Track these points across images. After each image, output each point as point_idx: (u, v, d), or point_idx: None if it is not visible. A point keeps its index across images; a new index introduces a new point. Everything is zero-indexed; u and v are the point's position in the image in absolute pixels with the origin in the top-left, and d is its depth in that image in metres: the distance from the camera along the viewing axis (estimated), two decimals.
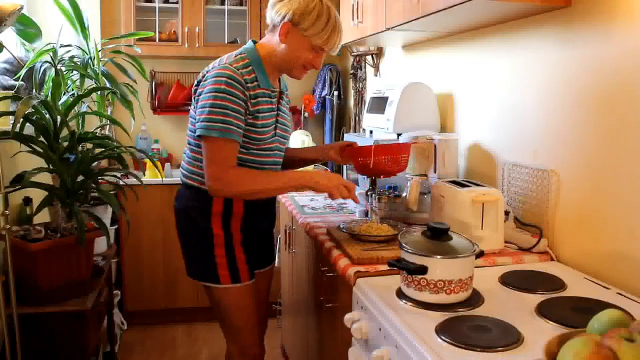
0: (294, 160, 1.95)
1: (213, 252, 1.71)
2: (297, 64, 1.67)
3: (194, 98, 1.67)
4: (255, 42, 1.72)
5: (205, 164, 1.60)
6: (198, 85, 1.66)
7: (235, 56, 1.65)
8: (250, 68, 1.62)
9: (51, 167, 1.85)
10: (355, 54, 3.27)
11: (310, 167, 3.22)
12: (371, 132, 2.45)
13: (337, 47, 1.70)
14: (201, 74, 1.67)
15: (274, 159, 1.74)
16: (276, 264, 2.90)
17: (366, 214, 2.02)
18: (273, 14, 1.64)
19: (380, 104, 2.29)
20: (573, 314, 1.17)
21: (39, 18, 2.31)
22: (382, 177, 1.83)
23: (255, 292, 1.87)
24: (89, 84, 2.30)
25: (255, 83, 1.62)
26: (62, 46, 2.18)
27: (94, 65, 2.31)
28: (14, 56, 2.14)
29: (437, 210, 1.73)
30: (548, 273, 1.45)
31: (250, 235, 1.77)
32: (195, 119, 1.63)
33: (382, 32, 2.13)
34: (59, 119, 1.86)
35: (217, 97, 1.55)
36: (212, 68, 1.63)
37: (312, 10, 1.60)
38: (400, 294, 1.28)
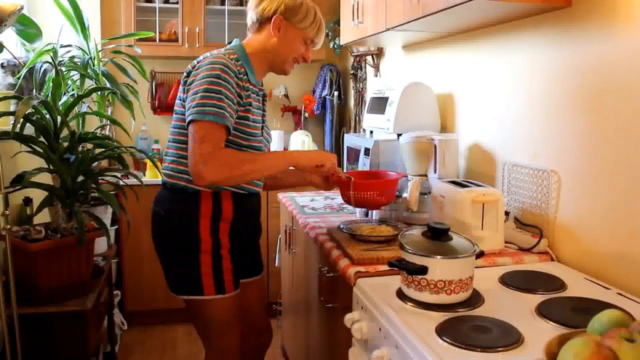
0: (276, 185, 1.92)
1: (198, 260, 1.62)
2: (289, 58, 1.69)
3: (183, 89, 1.60)
4: (240, 41, 1.71)
5: (191, 147, 1.49)
6: (188, 75, 1.60)
7: (225, 50, 1.63)
8: (240, 62, 1.61)
9: (51, 167, 1.85)
10: (355, 54, 3.27)
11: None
12: (371, 132, 2.45)
13: (322, 41, 1.74)
14: (190, 65, 1.63)
15: None
16: (276, 264, 2.91)
17: (366, 214, 2.02)
18: (259, 11, 1.65)
19: (380, 104, 2.29)
20: (573, 314, 1.17)
21: (39, 18, 2.31)
22: (368, 208, 1.82)
23: (246, 303, 1.83)
24: (89, 84, 2.30)
25: (246, 76, 1.61)
26: (62, 46, 2.18)
27: (94, 65, 2.31)
28: (14, 56, 2.14)
29: (437, 210, 1.73)
30: (548, 273, 1.45)
31: (237, 242, 1.71)
32: (182, 112, 1.58)
33: (382, 32, 2.13)
34: (59, 119, 1.86)
35: (212, 82, 1.50)
36: (204, 58, 1.60)
37: (301, 4, 1.65)
38: (400, 294, 1.28)
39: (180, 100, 1.63)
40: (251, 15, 1.69)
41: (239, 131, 1.60)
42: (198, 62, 1.60)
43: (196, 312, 1.70)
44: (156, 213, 1.70)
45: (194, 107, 1.50)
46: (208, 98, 1.49)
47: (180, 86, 1.63)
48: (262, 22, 1.66)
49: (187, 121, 1.53)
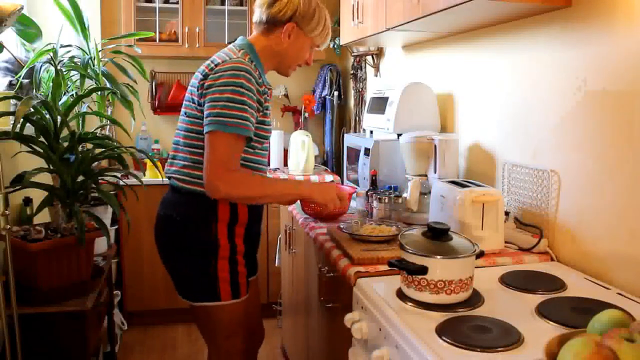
0: None
1: (216, 266, 1.59)
2: (295, 63, 1.70)
3: (199, 92, 1.53)
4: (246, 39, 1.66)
5: (209, 159, 1.48)
6: (205, 78, 1.53)
7: (239, 50, 1.58)
8: (253, 64, 1.58)
9: (51, 167, 1.85)
10: (355, 54, 3.27)
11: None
12: (371, 132, 2.46)
13: (327, 44, 1.75)
14: (205, 67, 1.56)
15: (266, 158, 1.72)
16: (276, 264, 2.91)
17: (366, 214, 2.02)
18: (273, 13, 1.59)
19: (380, 104, 2.29)
20: (573, 314, 1.17)
21: (39, 18, 2.31)
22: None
23: (249, 303, 1.81)
24: (89, 84, 2.30)
25: (261, 79, 1.59)
26: (62, 46, 2.18)
27: (94, 65, 2.31)
28: (14, 56, 2.14)
29: (437, 210, 1.73)
30: (548, 273, 1.45)
31: (250, 245, 1.72)
32: (197, 116, 1.54)
33: (382, 32, 2.13)
34: (59, 119, 1.86)
35: (235, 91, 1.46)
36: (223, 62, 1.52)
37: (314, 12, 1.63)
38: (400, 294, 1.28)
39: (193, 103, 1.57)
40: (260, 15, 1.63)
41: (257, 135, 1.58)
42: (216, 65, 1.53)
43: (207, 317, 1.67)
44: (167, 217, 1.64)
45: (214, 117, 1.47)
46: (230, 108, 1.46)
47: (195, 89, 1.56)
48: (274, 24, 1.61)
49: (205, 130, 1.49)
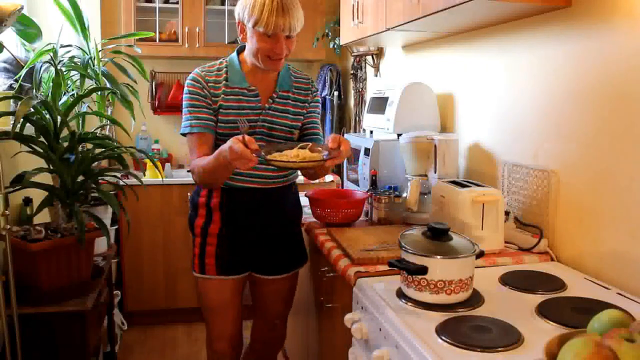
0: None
1: (193, 241, 1.87)
2: (261, 56, 1.68)
3: None
4: (241, 49, 1.83)
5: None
6: None
7: (214, 62, 1.81)
8: (224, 69, 1.77)
9: (51, 167, 1.85)
10: (355, 54, 3.27)
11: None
12: (371, 132, 2.46)
13: (278, 25, 1.59)
14: None
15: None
16: None
17: (366, 214, 2.02)
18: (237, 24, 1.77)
19: (380, 104, 2.29)
20: (573, 314, 1.17)
21: (39, 18, 2.31)
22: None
23: (260, 296, 1.95)
24: (89, 84, 2.30)
25: (224, 82, 1.75)
26: (62, 46, 2.18)
27: (94, 65, 2.31)
28: (14, 56, 2.14)
29: (437, 210, 1.73)
30: (548, 273, 1.45)
31: (232, 232, 1.80)
32: None
33: (382, 32, 2.13)
34: (59, 119, 1.86)
35: (185, 97, 1.75)
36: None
37: (247, 3, 1.65)
38: (400, 294, 1.28)
39: None
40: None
41: (216, 132, 1.76)
42: None
43: (195, 286, 1.92)
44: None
45: (182, 122, 1.78)
46: (185, 113, 1.75)
47: None
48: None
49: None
